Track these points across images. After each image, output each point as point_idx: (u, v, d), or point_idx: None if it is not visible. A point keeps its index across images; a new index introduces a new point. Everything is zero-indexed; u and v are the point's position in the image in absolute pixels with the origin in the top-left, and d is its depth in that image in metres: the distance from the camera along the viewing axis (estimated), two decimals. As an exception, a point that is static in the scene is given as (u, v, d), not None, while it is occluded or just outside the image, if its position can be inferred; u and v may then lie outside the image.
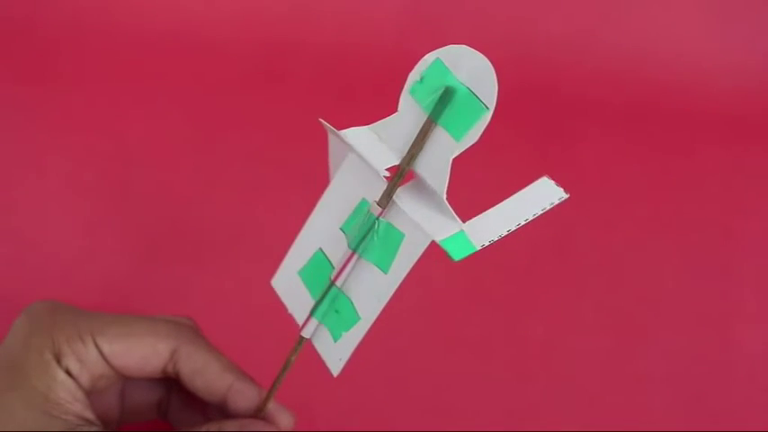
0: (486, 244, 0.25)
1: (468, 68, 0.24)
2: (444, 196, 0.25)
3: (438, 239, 0.25)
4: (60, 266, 0.41)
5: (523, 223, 0.25)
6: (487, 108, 0.24)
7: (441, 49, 0.25)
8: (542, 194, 0.26)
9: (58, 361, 0.26)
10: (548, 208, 0.25)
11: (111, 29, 0.50)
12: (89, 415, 0.26)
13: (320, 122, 0.26)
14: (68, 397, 0.26)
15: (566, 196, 0.25)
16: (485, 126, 0.25)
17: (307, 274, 0.28)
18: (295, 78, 0.49)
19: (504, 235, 0.25)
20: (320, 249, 0.28)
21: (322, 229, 0.27)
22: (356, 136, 0.26)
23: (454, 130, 0.25)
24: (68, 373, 0.26)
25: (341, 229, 0.27)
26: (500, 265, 0.43)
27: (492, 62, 0.24)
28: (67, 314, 0.27)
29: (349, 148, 0.26)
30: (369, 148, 0.26)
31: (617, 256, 0.44)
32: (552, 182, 0.26)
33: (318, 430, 0.37)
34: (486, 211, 0.25)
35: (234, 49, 0.50)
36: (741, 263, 0.44)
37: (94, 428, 0.26)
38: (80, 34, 0.49)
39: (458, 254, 0.25)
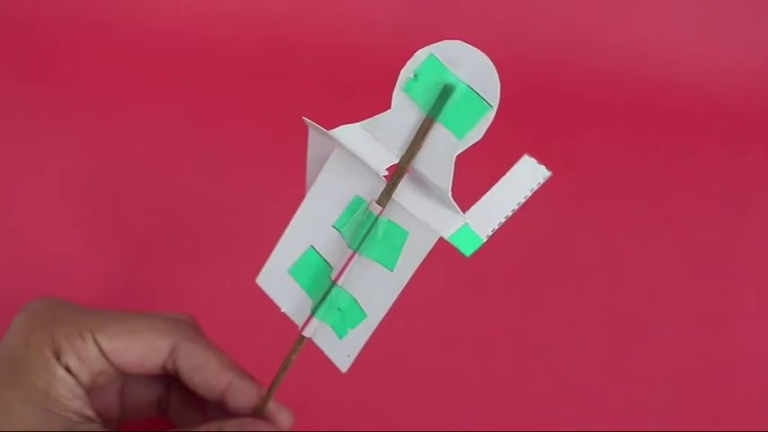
0: (490, 234, 0.25)
1: (467, 65, 0.24)
2: (450, 193, 0.25)
3: (446, 236, 0.25)
4: (59, 265, 0.41)
5: (517, 207, 0.25)
6: (491, 106, 0.24)
7: (434, 44, 0.24)
8: (528, 174, 0.26)
9: (58, 358, 0.26)
10: (536, 188, 0.25)
11: (112, 28, 0.50)
12: (89, 412, 0.26)
13: (304, 120, 0.26)
14: (68, 394, 0.26)
15: (549, 174, 0.25)
16: (488, 124, 0.25)
17: (298, 272, 0.28)
18: (295, 78, 0.49)
19: (503, 222, 0.25)
20: (312, 247, 0.27)
21: (312, 227, 0.27)
22: (348, 135, 0.26)
23: (456, 128, 0.25)
24: (68, 370, 0.26)
25: (334, 226, 0.27)
26: (500, 263, 0.43)
27: (492, 60, 0.24)
28: (67, 311, 0.27)
29: (339, 146, 0.26)
30: (363, 146, 0.26)
31: (618, 255, 0.44)
32: (534, 160, 0.26)
33: (318, 430, 0.37)
34: (480, 200, 0.26)
35: (234, 48, 0.50)
36: (742, 261, 0.44)
37: (94, 426, 0.26)
38: (80, 33, 0.49)
39: (468, 249, 0.25)
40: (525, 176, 0.25)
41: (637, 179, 0.47)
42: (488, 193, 0.26)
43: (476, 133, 0.25)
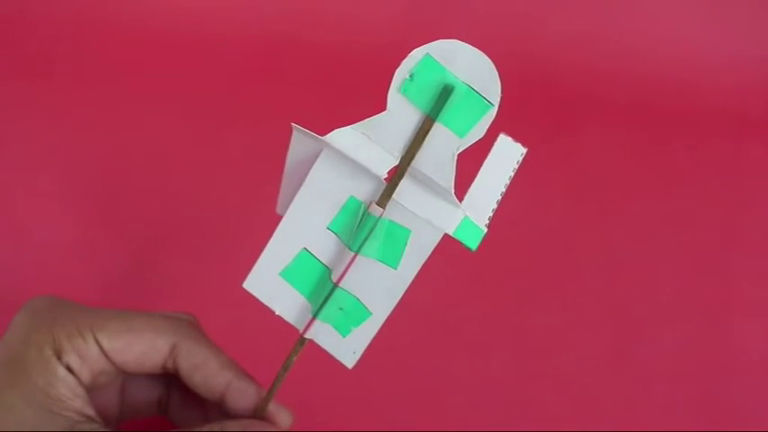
0: (488, 222, 0.26)
1: (465, 64, 0.24)
2: (452, 191, 0.25)
3: (450, 232, 0.26)
4: (59, 264, 0.41)
5: (504, 189, 0.26)
6: (492, 105, 0.24)
7: (429, 44, 0.24)
8: (507, 154, 0.26)
9: (59, 357, 0.26)
10: (516, 167, 0.26)
11: (110, 24, 0.49)
12: (89, 411, 0.26)
13: (292, 126, 0.26)
14: (69, 393, 0.26)
15: (525, 150, 0.26)
16: (490, 122, 0.25)
17: (292, 274, 0.27)
18: (295, 76, 0.49)
19: (496, 207, 0.26)
20: (305, 249, 0.27)
21: (304, 229, 0.27)
22: (342, 138, 0.25)
23: (456, 127, 0.25)
24: (69, 369, 0.26)
25: (329, 228, 0.27)
26: (501, 261, 0.43)
27: (492, 58, 0.24)
28: (67, 309, 0.27)
29: (328, 148, 0.26)
30: (360, 149, 0.26)
31: (619, 253, 0.44)
32: (509, 138, 0.26)
33: (318, 430, 0.37)
34: (471, 188, 0.26)
35: (233, 47, 0.50)
36: (743, 259, 0.44)
37: (95, 425, 0.26)
38: (78, 29, 0.49)
39: (473, 243, 0.26)
40: (505, 156, 0.26)
41: (638, 177, 0.47)
42: (476, 179, 0.26)
43: (477, 132, 0.25)
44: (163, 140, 0.46)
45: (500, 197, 0.26)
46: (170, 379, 0.30)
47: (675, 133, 0.48)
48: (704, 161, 0.47)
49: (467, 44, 0.24)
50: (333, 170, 0.26)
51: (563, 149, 0.47)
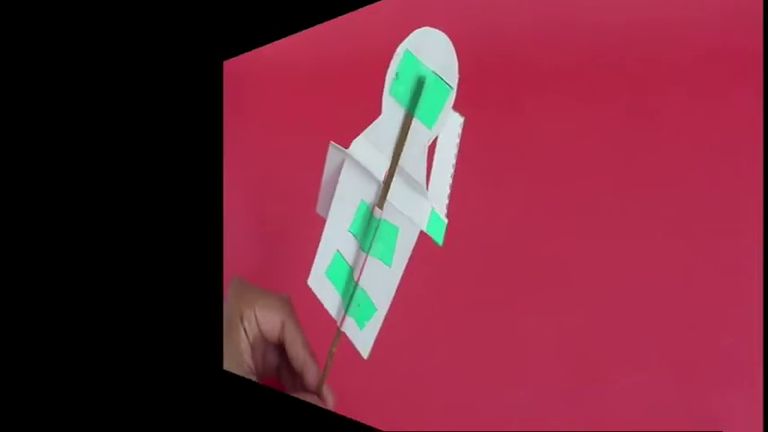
0: (446, 210, 0.25)
1: (430, 49, 0.24)
2: (425, 184, 0.25)
3: (423, 228, 0.25)
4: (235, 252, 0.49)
5: (453, 170, 0.25)
6: (450, 87, 0.23)
7: (406, 39, 0.24)
8: (450, 126, 0.25)
9: (241, 321, 0.34)
10: (458, 141, 0.25)
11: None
12: (252, 366, 0.34)
13: (330, 144, 0.28)
14: (246, 349, 0.34)
15: (462, 119, 0.24)
16: (450, 106, 0.23)
17: (331, 273, 0.30)
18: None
19: (450, 192, 0.25)
20: (338, 251, 0.29)
21: (336, 233, 0.29)
22: (357, 147, 0.27)
23: (426, 119, 0.25)
24: (245, 331, 0.34)
25: (348, 231, 0.29)
26: (498, 261, 0.40)
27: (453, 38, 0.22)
28: (245, 286, 0.35)
29: (347, 157, 0.28)
30: (365, 154, 0.27)
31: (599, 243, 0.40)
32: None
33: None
34: (431, 173, 0.25)
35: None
36: (742, 257, 0.39)
37: (253, 377, 0.34)
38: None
39: (438, 236, 0.25)
40: (448, 129, 0.25)
41: (601, 150, 0.42)
42: (434, 161, 0.25)
43: (442, 119, 0.24)
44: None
45: (451, 178, 0.25)
46: (282, 350, 0.35)
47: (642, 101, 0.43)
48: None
49: (430, 28, 0.23)
50: (351, 177, 0.28)
51: (522, 128, 0.42)
